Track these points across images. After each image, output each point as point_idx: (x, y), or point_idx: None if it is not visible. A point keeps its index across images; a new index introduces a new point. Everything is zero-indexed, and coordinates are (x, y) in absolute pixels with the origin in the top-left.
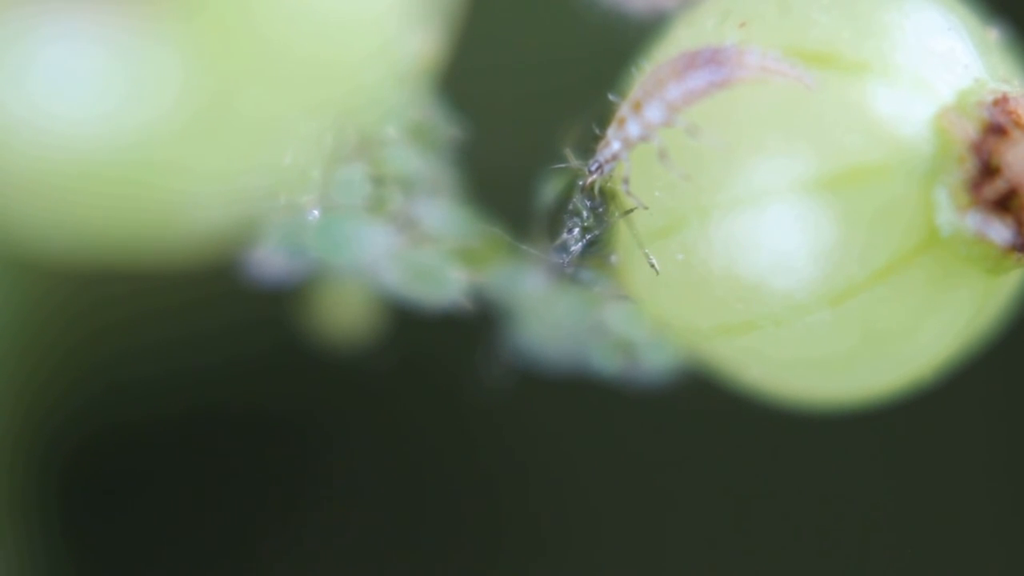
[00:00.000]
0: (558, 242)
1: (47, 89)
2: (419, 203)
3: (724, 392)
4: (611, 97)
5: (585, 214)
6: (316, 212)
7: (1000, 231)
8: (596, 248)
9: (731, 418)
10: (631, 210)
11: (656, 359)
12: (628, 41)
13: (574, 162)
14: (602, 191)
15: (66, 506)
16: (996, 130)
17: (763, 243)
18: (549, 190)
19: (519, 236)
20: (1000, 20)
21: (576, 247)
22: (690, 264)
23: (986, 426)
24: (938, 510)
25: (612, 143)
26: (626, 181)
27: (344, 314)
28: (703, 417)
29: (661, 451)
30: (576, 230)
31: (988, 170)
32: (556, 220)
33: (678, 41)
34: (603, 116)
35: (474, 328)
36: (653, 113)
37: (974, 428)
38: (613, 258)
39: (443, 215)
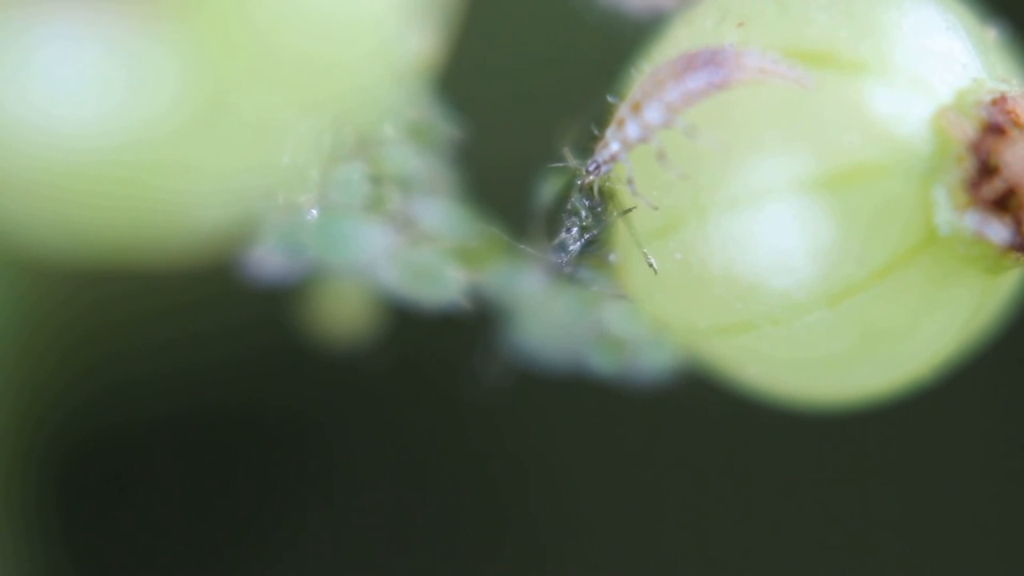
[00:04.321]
0: (556, 241)
1: (46, 89)
2: (417, 202)
3: (722, 392)
4: (610, 98)
5: (583, 213)
6: (314, 211)
7: (998, 230)
8: (594, 247)
9: (729, 418)
10: (629, 209)
11: (654, 358)
12: (627, 40)
13: (572, 161)
14: (600, 190)
15: (65, 505)
16: (994, 129)
17: (761, 242)
18: (547, 189)
19: (517, 235)
20: (998, 19)
21: (574, 246)
22: (688, 263)
23: (985, 425)
24: (938, 509)
25: (611, 144)
26: (630, 182)
27: (342, 313)
28: (701, 416)
29: (659, 450)
30: (574, 229)
31: (986, 169)
32: (554, 219)
33: (677, 40)
34: (602, 116)
35: (472, 327)
36: (652, 114)
37: (973, 427)
38: (611, 257)
39: (441, 214)
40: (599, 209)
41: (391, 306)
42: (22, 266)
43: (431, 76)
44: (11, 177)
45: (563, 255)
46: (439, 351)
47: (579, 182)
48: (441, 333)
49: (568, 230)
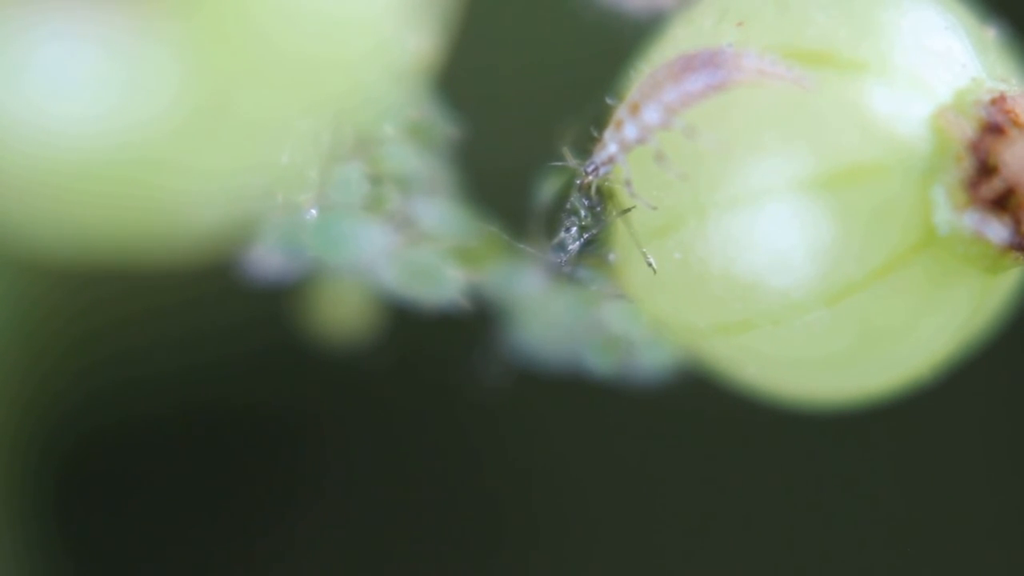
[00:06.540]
0: (556, 241)
1: (45, 89)
2: (417, 202)
3: (721, 391)
4: (608, 100)
5: (583, 213)
6: (313, 211)
7: (997, 230)
8: (593, 247)
9: (728, 417)
10: (628, 209)
11: (653, 358)
12: (626, 40)
13: (572, 161)
14: (599, 190)
15: (64, 505)
16: (994, 129)
17: (760, 242)
18: (547, 189)
19: (517, 235)
20: (998, 19)
21: (574, 246)
22: (688, 263)
23: (984, 425)
24: (937, 509)
25: (609, 146)
26: (628, 183)
27: (341, 313)
28: (700, 416)
29: (658, 450)
30: (573, 229)
31: (985, 169)
32: (554, 219)
33: (676, 40)
34: (601, 116)
35: (472, 327)
36: (650, 116)
37: (972, 427)
38: (611, 257)
39: (441, 214)
40: (598, 209)
41: (390, 306)
42: (22, 266)
43: (431, 76)
44: (11, 177)
45: (562, 255)
46: (438, 351)
47: (578, 183)
48: (440, 333)
49: (567, 230)
